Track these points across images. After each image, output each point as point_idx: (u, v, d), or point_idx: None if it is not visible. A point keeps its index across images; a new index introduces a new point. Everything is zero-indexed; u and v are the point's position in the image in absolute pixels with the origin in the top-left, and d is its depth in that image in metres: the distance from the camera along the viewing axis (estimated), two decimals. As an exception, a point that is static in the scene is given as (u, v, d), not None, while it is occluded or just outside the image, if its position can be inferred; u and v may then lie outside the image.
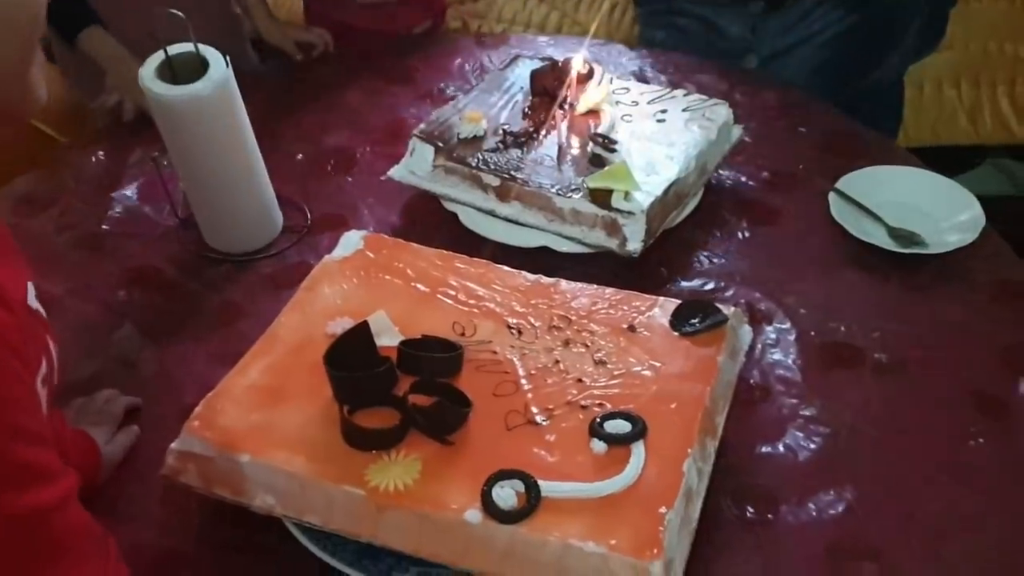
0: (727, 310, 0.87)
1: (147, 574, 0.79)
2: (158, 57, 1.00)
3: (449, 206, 1.15)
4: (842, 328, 0.99)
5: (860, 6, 1.50)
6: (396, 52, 1.53)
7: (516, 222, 1.11)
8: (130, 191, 1.22)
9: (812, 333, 0.99)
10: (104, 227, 1.18)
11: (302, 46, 1.51)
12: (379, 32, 1.66)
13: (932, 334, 0.99)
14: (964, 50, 1.89)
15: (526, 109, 1.20)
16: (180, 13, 0.97)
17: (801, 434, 0.89)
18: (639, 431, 0.75)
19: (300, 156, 1.22)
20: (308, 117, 1.38)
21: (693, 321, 0.87)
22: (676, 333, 0.86)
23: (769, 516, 0.82)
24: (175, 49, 1.00)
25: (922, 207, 1.13)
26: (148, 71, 0.99)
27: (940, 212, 1.12)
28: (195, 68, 1.00)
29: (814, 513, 0.82)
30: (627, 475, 0.72)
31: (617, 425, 0.76)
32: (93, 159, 1.30)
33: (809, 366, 0.95)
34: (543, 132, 1.15)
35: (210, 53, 1.01)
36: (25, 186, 1.27)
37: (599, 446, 0.75)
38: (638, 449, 0.74)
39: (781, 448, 0.88)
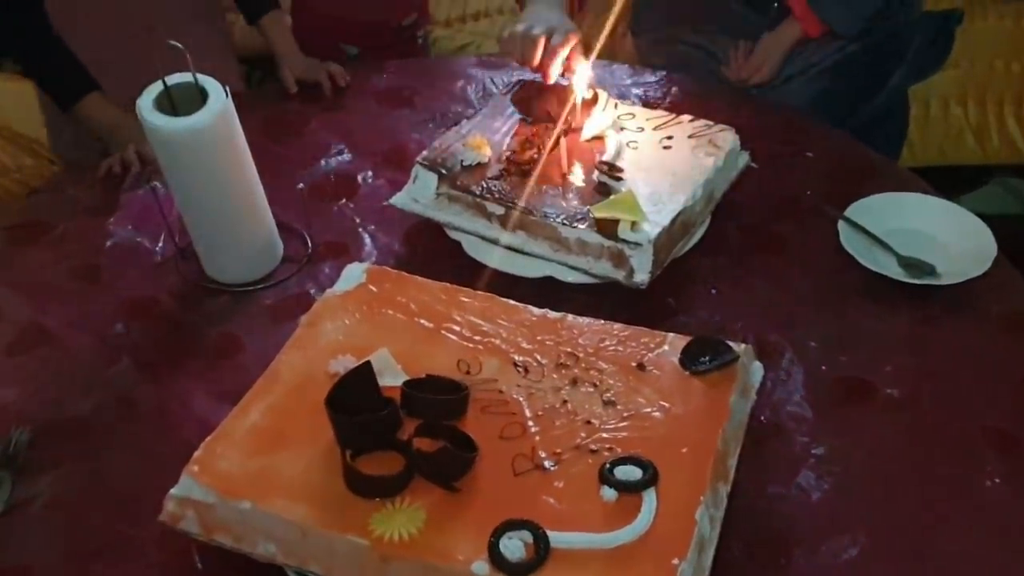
0: (738, 348, 0.86)
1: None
2: (156, 88, 0.98)
3: (453, 234, 1.14)
4: (853, 362, 0.98)
5: (859, 35, 1.49)
6: (396, 73, 1.52)
7: (520, 251, 1.09)
8: (128, 220, 1.20)
9: (823, 367, 0.97)
10: (102, 258, 1.16)
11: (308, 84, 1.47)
12: (372, 23, 1.66)
13: (945, 367, 0.97)
14: (970, 68, 1.88)
15: (530, 136, 1.18)
16: (179, 44, 0.95)
17: (813, 474, 0.87)
18: (650, 478, 0.74)
19: (300, 184, 1.20)
20: (307, 140, 1.37)
21: (703, 359, 0.85)
22: (686, 371, 0.85)
23: (782, 561, 0.80)
24: (174, 79, 0.98)
25: (932, 235, 1.11)
26: (146, 102, 0.97)
27: (951, 240, 1.10)
28: (194, 98, 0.98)
29: (828, 558, 0.80)
30: (638, 525, 0.71)
31: (627, 471, 0.74)
32: (91, 188, 1.28)
33: (820, 402, 0.94)
34: (548, 160, 1.13)
35: (209, 83, 0.99)
36: (21, 215, 1.26)
37: (609, 493, 0.73)
38: (649, 497, 0.73)
39: (793, 490, 0.86)
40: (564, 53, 1.20)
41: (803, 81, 1.53)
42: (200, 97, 0.99)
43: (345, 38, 1.74)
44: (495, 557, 0.69)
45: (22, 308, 1.10)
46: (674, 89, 1.43)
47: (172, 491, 0.78)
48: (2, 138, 1.58)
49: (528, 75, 1.30)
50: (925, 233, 1.11)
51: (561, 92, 1.20)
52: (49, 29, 1.34)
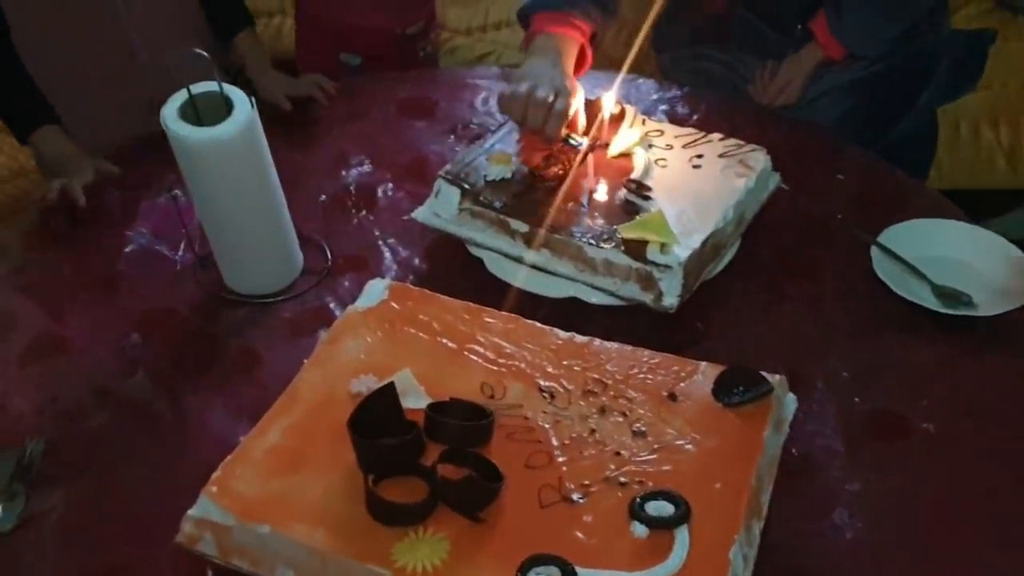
0: (772, 379, 0.83)
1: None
2: (181, 96, 0.96)
3: (475, 251, 1.11)
4: (887, 395, 0.95)
5: (884, 55, 1.46)
6: (417, 83, 1.50)
7: (544, 270, 1.07)
8: (146, 229, 1.19)
9: (856, 399, 0.95)
10: (119, 267, 1.15)
11: (297, 99, 1.42)
12: (375, 31, 1.65)
13: (981, 403, 0.94)
14: (1003, 90, 1.85)
15: (555, 152, 1.15)
16: (204, 53, 0.93)
17: (846, 511, 0.84)
18: (683, 514, 0.71)
19: (322, 196, 1.18)
20: (328, 151, 1.35)
21: (737, 390, 0.83)
22: (719, 403, 0.82)
23: (814, 602, 0.78)
24: (199, 88, 0.97)
25: (968, 262, 1.09)
26: (170, 111, 0.96)
27: (987, 268, 1.07)
28: (219, 108, 0.96)
29: (863, 600, 0.78)
30: (671, 564, 0.69)
31: (659, 507, 0.72)
32: (109, 195, 1.26)
33: (852, 436, 0.91)
34: (574, 176, 1.11)
35: (235, 93, 0.97)
36: (37, 221, 1.24)
37: (640, 530, 0.71)
38: (682, 535, 0.70)
39: (826, 527, 0.83)
40: (567, 118, 1.13)
41: (829, 101, 1.51)
42: (225, 107, 0.97)
43: (347, 48, 1.73)
44: (522, 594, 0.67)
45: (37, 316, 1.09)
46: (701, 105, 1.41)
47: (189, 512, 0.76)
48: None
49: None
50: (960, 260, 1.09)
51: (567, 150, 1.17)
52: (13, 56, 1.31)
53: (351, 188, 1.27)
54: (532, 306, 1.01)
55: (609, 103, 1.17)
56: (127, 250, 1.17)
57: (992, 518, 0.84)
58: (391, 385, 0.80)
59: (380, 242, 1.18)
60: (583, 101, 1.17)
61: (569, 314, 1.00)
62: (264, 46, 1.54)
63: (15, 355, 1.04)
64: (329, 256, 1.16)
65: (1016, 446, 0.89)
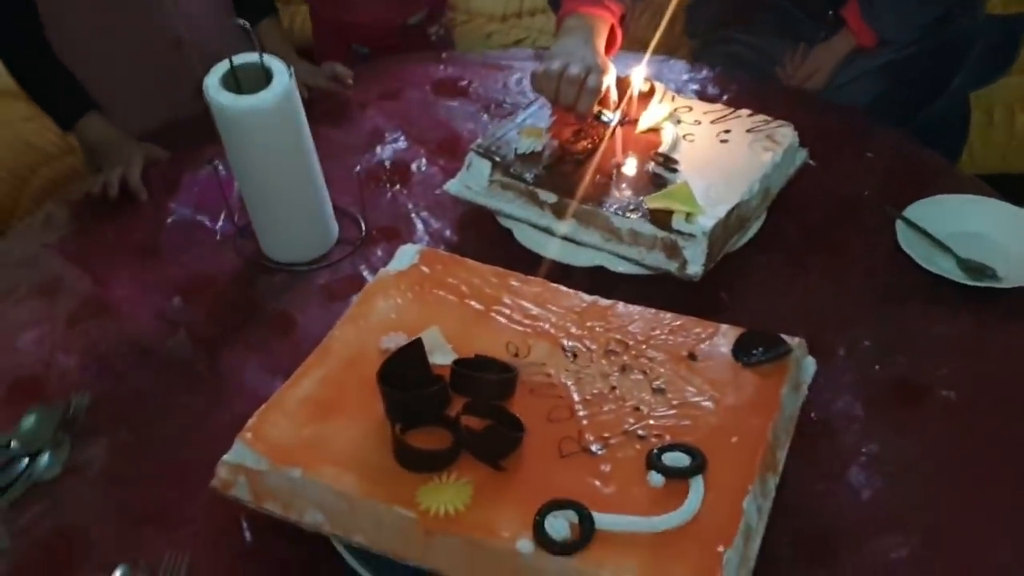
0: (792, 341, 0.85)
1: (193, 585, 0.79)
2: (223, 67, 1.00)
3: (504, 222, 1.14)
4: (909, 363, 0.96)
5: (918, 39, 1.46)
6: (453, 64, 1.53)
7: (572, 240, 1.09)
8: (189, 199, 1.23)
9: (877, 367, 0.96)
10: (162, 234, 1.19)
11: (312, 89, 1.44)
12: (378, 24, 1.68)
13: (1004, 372, 0.95)
14: (1037, 75, 1.83)
15: (585, 126, 1.18)
16: (246, 23, 0.97)
17: (863, 472, 0.85)
18: (698, 465, 0.73)
19: (357, 167, 1.21)
20: (364, 127, 1.38)
21: (756, 351, 0.84)
22: (738, 363, 0.84)
23: (828, 558, 0.79)
24: (240, 59, 1.00)
25: (993, 238, 1.09)
26: (213, 80, 0.99)
27: (1012, 243, 1.08)
28: (259, 78, 1.00)
29: (875, 557, 0.79)
30: (685, 511, 0.70)
31: (676, 458, 0.74)
32: (154, 165, 1.31)
33: (872, 402, 0.92)
34: (602, 150, 1.13)
35: (274, 64, 1.01)
36: (85, 196, 1.29)
37: (656, 479, 0.73)
38: (697, 484, 0.72)
39: (842, 486, 0.84)
40: (599, 94, 1.14)
41: (860, 85, 1.51)
42: (265, 77, 1.00)
43: (355, 39, 1.77)
44: (540, 535, 0.69)
45: (84, 280, 1.13)
46: (732, 86, 1.42)
47: (225, 457, 0.80)
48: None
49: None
50: (986, 236, 1.09)
51: (618, 83, 1.19)
52: (48, 49, 1.35)
53: (385, 163, 1.31)
54: (560, 275, 1.03)
55: (638, 79, 1.19)
56: (170, 220, 1.22)
57: (1009, 484, 0.85)
58: (419, 341, 0.82)
59: (413, 214, 1.22)
60: (614, 78, 1.19)
61: (596, 283, 1.02)
62: (286, 34, 1.57)
63: (62, 316, 1.09)
64: (363, 227, 1.19)
65: (1036, 414, 0.90)
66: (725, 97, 1.39)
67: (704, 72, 1.46)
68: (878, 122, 1.35)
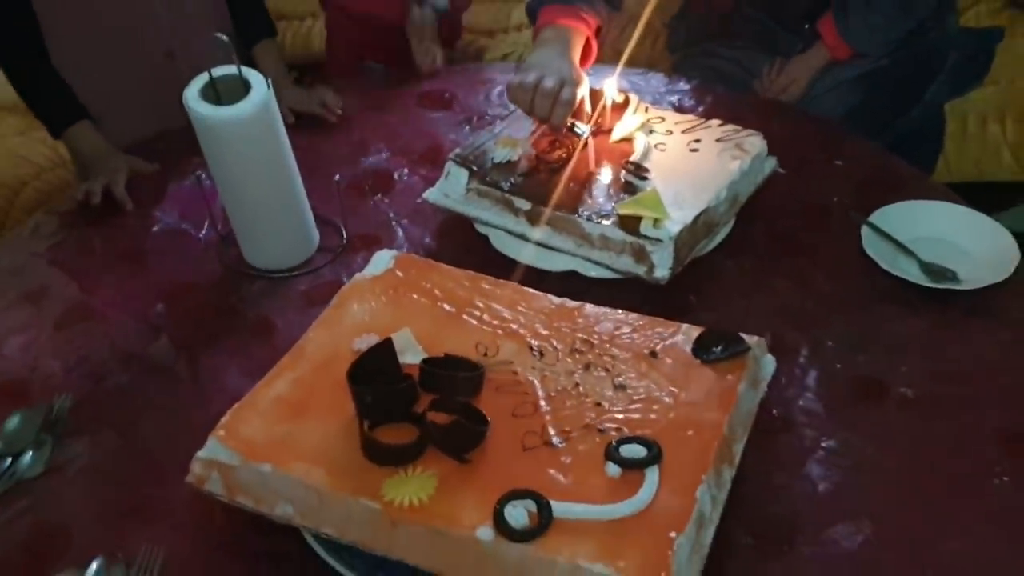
0: (750, 340, 0.88)
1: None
2: (203, 79, 1.03)
3: (481, 229, 1.17)
4: (870, 363, 0.98)
5: (892, 51, 1.50)
6: (435, 78, 1.56)
7: (546, 246, 1.12)
8: (174, 208, 1.26)
9: (838, 366, 0.98)
10: (147, 243, 1.22)
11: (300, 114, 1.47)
12: (386, 43, 1.71)
13: (960, 371, 0.97)
14: (1010, 85, 1.87)
15: (560, 137, 1.21)
16: (224, 37, 1.00)
17: (821, 466, 0.88)
18: (654, 456, 0.76)
19: (338, 176, 1.24)
20: (348, 138, 1.41)
21: (715, 349, 0.87)
22: (698, 360, 0.87)
23: (784, 547, 0.81)
24: (219, 71, 1.04)
25: (956, 243, 1.12)
26: (192, 92, 1.03)
27: (974, 248, 1.11)
28: (238, 89, 1.03)
29: (830, 546, 0.81)
30: (639, 499, 0.73)
31: (633, 450, 0.77)
32: (140, 177, 1.34)
33: (833, 399, 0.95)
34: (576, 159, 1.17)
35: (252, 75, 1.04)
36: (72, 202, 1.32)
37: (614, 470, 0.76)
38: (652, 474, 0.75)
39: (800, 479, 0.87)
40: (573, 107, 1.17)
41: (835, 96, 1.54)
42: (243, 88, 1.04)
43: (371, 55, 1.80)
44: (500, 523, 0.72)
45: (70, 287, 1.16)
46: (708, 98, 1.45)
47: (199, 454, 0.82)
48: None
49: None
50: (949, 241, 1.12)
51: (592, 94, 1.23)
52: (46, 57, 1.39)
53: (368, 173, 1.34)
54: (534, 280, 1.05)
55: (611, 90, 1.22)
56: (154, 229, 1.25)
57: (962, 475, 0.87)
58: (389, 340, 0.85)
59: (394, 222, 1.25)
60: (588, 90, 1.23)
61: (568, 287, 1.04)
62: (281, 57, 1.60)
63: (49, 321, 1.11)
64: (344, 235, 1.22)
65: (988, 409, 0.92)
66: (701, 109, 1.42)
67: (681, 84, 1.50)
68: (853, 132, 1.38)
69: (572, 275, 1.10)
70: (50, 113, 1.40)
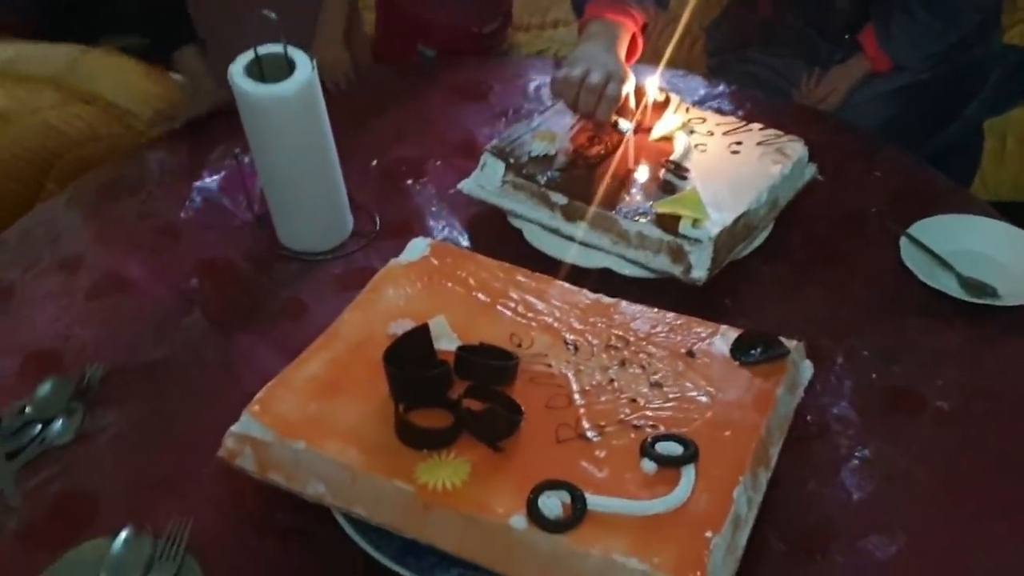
0: (789, 344, 0.87)
1: (197, 551, 0.81)
2: (248, 56, 1.03)
3: (515, 222, 1.16)
4: (905, 374, 0.98)
5: (933, 64, 1.49)
6: (473, 69, 1.56)
7: (581, 242, 1.11)
8: (211, 185, 1.26)
9: (873, 375, 0.97)
10: (183, 217, 1.22)
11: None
12: (454, 28, 1.70)
13: (997, 386, 0.96)
14: (1052, 105, 1.85)
15: (599, 132, 1.20)
16: (272, 14, 1.00)
17: (855, 475, 0.87)
18: (691, 454, 0.75)
19: (374, 163, 1.24)
20: (384, 126, 1.41)
21: (754, 351, 0.86)
22: (736, 362, 0.86)
23: (817, 555, 0.81)
24: (265, 49, 1.04)
25: (996, 258, 1.11)
26: (237, 68, 1.03)
27: (1014, 264, 1.09)
28: (282, 68, 1.03)
29: (863, 556, 0.80)
30: (676, 496, 0.72)
31: (669, 447, 0.76)
32: (178, 152, 1.35)
33: (868, 408, 0.94)
34: (615, 155, 1.16)
35: (297, 55, 1.04)
36: (112, 173, 1.33)
37: (649, 466, 0.75)
38: (688, 472, 0.74)
39: (834, 487, 0.86)
40: (618, 103, 1.17)
41: (873, 107, 1.53)
42: (288, 67, 1.03)
43: (424, 40, 1.80)
44: (533, 513, 0.71)
45: (104, 257, 1.17)
46: (746, 103, 1.44)
47: (232, 428, 0.82)
48: (96, 107, 1.66)
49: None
50: (988, 256, 1.11)
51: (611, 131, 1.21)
52: None
53: (403, 161, 1.34)
54: (567, 277, 1.04)
55: (652, 88, 1.22)
56: (190, 205, 1.25)
57: (997, 491, 0.86)
58: (425, 326, 0.85)
59: (426, 211, 1.24)
60: (633, 87, 1.22)
61: (602, 285, 1.03)
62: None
63: (82, 291, 1.12)
64: (377, 221, 1.22)
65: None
66: (740, 113, 1.41)
67: (720, 88, 1.49)
68: (889, 144, 1.37)
69: (606, 273, 1.09)
70: (160, 32, 1.48)
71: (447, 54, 1.78)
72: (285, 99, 1.02)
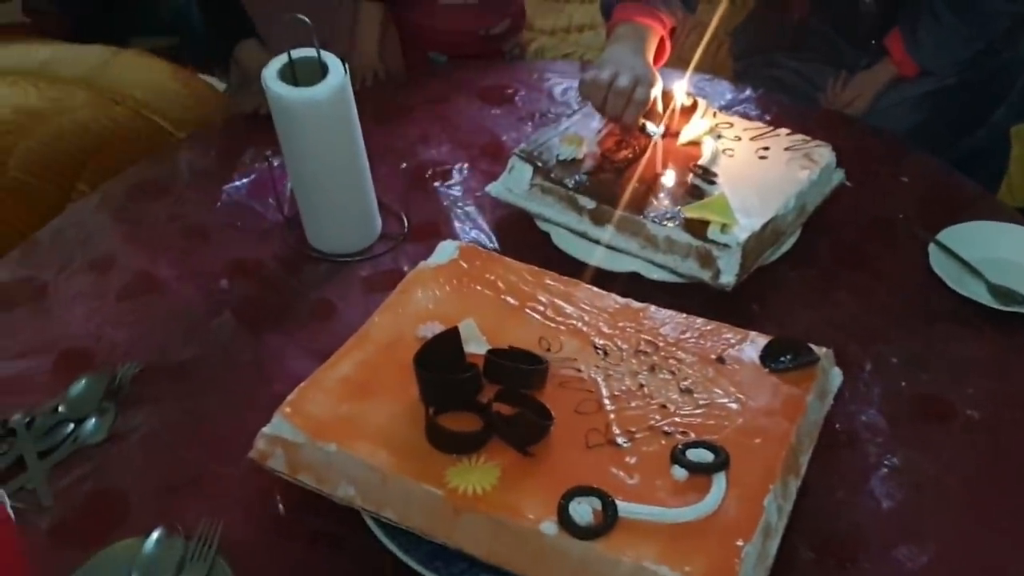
0: (819, 351, 0.87)
1: (227, 552, 0.82)
2: (281, 59, 1.04)
3: (543, 226, 1.17)
4: (934, 381, 0.97)
5: (960, 70, 1.48)
6: (498, 73, 1.56)
7: (608, 246, 1.12)
8: (241, 187, 1.27)
9: (903, 383, 0.97)
10: (213, 218, 1.24)
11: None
12: (460, 32, 1.71)
13: (1029, 396, 0.96)
14: (1080, 112, 1.82)
15: (627, 137, 1.20)
16: (306, 19, 1.01)
17: (885, 484, 0.87)
18: (722, 462, 0.75)
19: (403, 166, 1.25)
20: (411, 130, 1.42)
21: (784, 358, 0.86)
22: (766, 369, 0.86)
23: (846, 564, 0.80)
24: (298, 53, 1.04)
25: (1025, 265, 1.10)
26: (271, 72, 1.04)
27: (1045, 272, 1.09)
28: (315, 72, 1.04)
29: (893, 565, 0.80)
30: (707, 504, 0.72)
31: (700, 454, 0.76)
32: (208, 154, 1.36)
33: (897, 417, 0.93)
34: (642, 160, 1.16)
35: (330, 59, 1.05)
36: (142, 174, 1.34)
37: (680, 473, 0.75)
38: (719, 480, 0.74)
39: (863, 496, 0.86)
40: (646, 107, 1.18)
41: (899, 112, 1.52)
42: (321, 72, 1.04)
43: (433, 47, 1.81)
44: (564, 519, 0.71)
45: (135, 258, 1.18)
46: (773, 108, 1.44)
47: (264, 430, 0.83)
48: (126, 108, 1.67)
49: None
50: (1017, 263, 1.10)
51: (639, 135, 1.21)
52: None
53: (430, 165, 1.34)
54: (595, 281, 1.04)
55: (680, 92, 1.22)
56: (221, 206, 1.26)
57: (1029, 502, 0.86)
58: (455, 329, 0.85)
59: (453, 215, 1.25)
60: (661, 91, 1.22)
61: (630, 289, 1.03)
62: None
63: (113, 291, 1.13)
64: (406, 224, 1.22)
65: (1058, 436, 0.91)
66: (766, 118, 1.40)
67: (747, 92, 1.48)
68: (915, 150, 1.36)
69: (634, 277, 1.09)
70: (220, 27, 1.51)
71: (457, 59, 1.78)
72: (318, 103, 1.03)
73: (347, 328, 0.96)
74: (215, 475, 0.90)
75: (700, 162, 1.14)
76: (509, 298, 0.96)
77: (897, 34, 1.49)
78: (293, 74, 1.04)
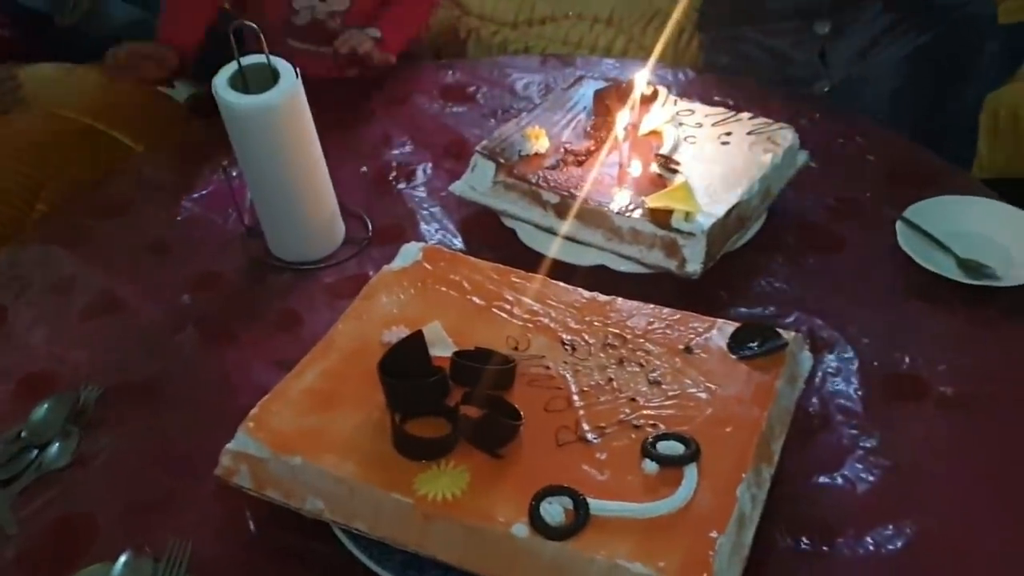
0: (787, 335, 0.86)
1: (197, 572, 0.80)
2: (232, 67, 1.02)
3: (508, 223, 1.16)
4: (906, 359, 0.96)
5: (929, 26, 1.48)
6: (462, 70, 1.55)
7: (574, 240, 1.10)
8: (200, 199, 1.25)
9: (875, 363, 0.96)
10: (173, 232, 1.22)
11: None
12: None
13: (1001, 369, 0.95)
14: (1043, 80, 1.83)
15: (588, 128, 1.20)
16: (253, 24, 0.99)
17: (860, 466, 0.86)
18: (692, 453, 0.74)
19: (364, 169, 1.23)
20: (372, 131, 1.40)
21: (751, 345, 0.85)
22: (734, 356, 0.85)
23: (824, 548, 0.80)
24: (248, 60, 1.03)
25: (994, 239, 1.09)
26: (221, 80, 1.02)
27: (1013, 244, 1.08)
28: (266, 78, 1.02)
29: (871, 547, 0.79)
30: (678, 497, 0.71)
31: (670, 446, 0.75)
32: (166, 167, 1.34)
33: (871, 397, 0.93)
34: (604, 151, 1.15)
35: (281, 64, 1.03)
36: (100, 192, 1.32)
37: (650, 467, 0.74)
38: (691, 472, 0.73)
39: (839, 479, 0.85)
40: None
41: (878, 75, 1.52)
42: (272, 77, 1.02)
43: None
44: (535, 520, 0.70)
45: (96, 277, 1.16)
46: (736, 91, 1.43)
47: (228, 446, 0.81)
48: (82, 123, 1.64)
49: (590, 75, 1.31)
50: (986, 236, 1.10)
51: (622, 88, 1.21)
52: None
53: (392, 166, 1.33)
54: (562, 275, 1.03)
55: (641, 83, 1.21)
56: (180, 220, 1.24)
57: (1003, 476, 0.85)
58: (420, 333, 0.84)
59: (418, 216, 1.23)
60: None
61: (598, 282, 1.02)
62: None
63: (75, 312, 1.11)
64: (370, 228, 1.21)
65: (1030, 408, 0.90)
66: (730, 103, 1.40)
67: (710, 78, 1.48)
68: (893, 122, 1.35)
69: (601, 270, 1.08)
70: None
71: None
72: (270, 109, 1.01)
73: (313, 337, 0.94)
74: (183, 494, 0.88)
75: (662, 151, 1.13)
76: (475, 298, 0.95)
77: None
78: (244, 81, 1.02)
